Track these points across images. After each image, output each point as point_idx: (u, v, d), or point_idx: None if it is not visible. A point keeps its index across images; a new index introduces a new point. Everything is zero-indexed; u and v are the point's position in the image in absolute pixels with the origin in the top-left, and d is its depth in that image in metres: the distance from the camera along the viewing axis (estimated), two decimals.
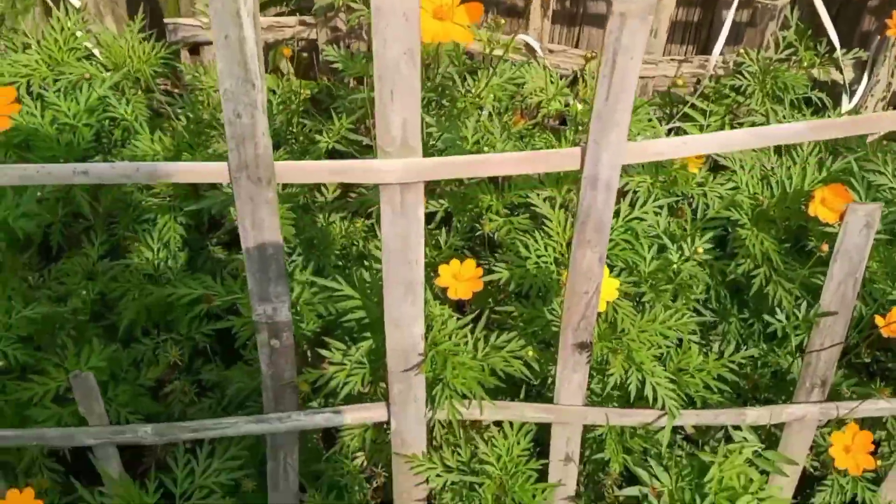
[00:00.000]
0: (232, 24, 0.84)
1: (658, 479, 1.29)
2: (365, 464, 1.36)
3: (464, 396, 1.20)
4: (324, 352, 1.21)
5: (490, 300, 1.44)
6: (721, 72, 1.73)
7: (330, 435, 1.42)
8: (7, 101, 1.09)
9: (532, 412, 1.25)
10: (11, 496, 1.14)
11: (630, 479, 1.36)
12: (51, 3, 1.60)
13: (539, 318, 1.27)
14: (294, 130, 1.58)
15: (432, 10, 1.01)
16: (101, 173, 0.97)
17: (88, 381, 1.10)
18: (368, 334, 1.21)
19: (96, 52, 1.58)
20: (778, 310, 1.30)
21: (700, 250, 1.22)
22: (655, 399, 1.24)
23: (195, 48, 1.70)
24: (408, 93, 0.91)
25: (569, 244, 1.31)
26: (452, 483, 1.30)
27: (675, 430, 1.39)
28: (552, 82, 1.48)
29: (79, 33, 1.53)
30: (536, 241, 1.29)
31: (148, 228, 1.52)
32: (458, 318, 1.24)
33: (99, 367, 1.32)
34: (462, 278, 1.19)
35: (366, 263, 1.38)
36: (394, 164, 0.96)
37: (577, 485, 1.37)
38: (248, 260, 1.04)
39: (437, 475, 1.29)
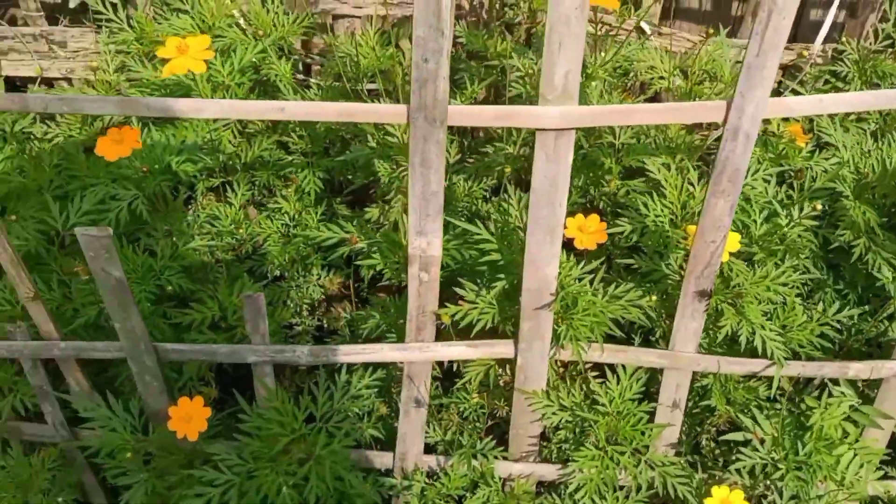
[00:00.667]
0: None
1: (760, 427, 1.39)
2: (482, 402, 1.48)
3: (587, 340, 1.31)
4: (459, 290, 1.33)
5: (596, 260, 1.54)
6: (819, 60, 1.82)
7: (447, 377, 1.54)
8: (202, 47, 1.24)
9: (648, 357, 1.36)
10: (183, 403, 1.28)
11: (729, 430, 1.46)
12: None
13: (656, 271, 1.37)
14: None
15: None
16: (296, 110, 1.11)
17: (258, 301, 1.24)
18: (502, 276, 1.33)
19: (241, 21, 1.73)
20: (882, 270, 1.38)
21: (818, 206, 1.32)
22: (764, 352, 1.33)
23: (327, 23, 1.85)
24: (574, 45, 1.03)
25: (683, 206, 1.42)
26: (567, 421, 1.41)
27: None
28: (663, 61, 1.59)
29: (229, 1, 1.67)
30: (654, 201, 1.39)
31: (282, 184, 1.66)
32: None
33: None
34: (587, 231, 1.30)
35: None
36: (553, 110, 1.08)
37: (678, 433, 1.47)
38: (412, 195, 1.16)
39: (554, 413, 1.40)
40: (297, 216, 1.63)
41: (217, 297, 1.45)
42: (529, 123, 1.09)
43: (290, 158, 1.69)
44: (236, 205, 1.63)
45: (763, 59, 1.00)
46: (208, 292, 1.46)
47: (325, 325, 1.72)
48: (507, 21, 1.79)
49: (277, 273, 1.61)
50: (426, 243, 1.21)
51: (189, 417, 1.26)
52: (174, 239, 1.46)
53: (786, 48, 1.83)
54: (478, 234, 1.32)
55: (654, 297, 1.32)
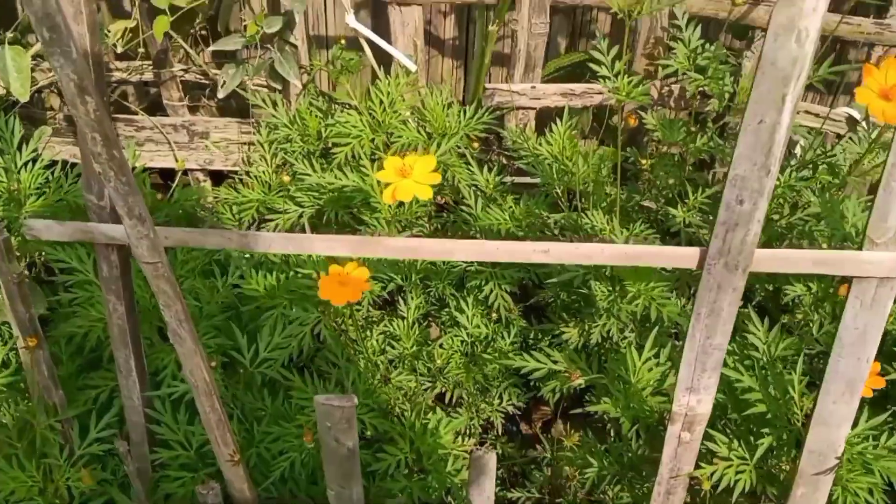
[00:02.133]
0: (773, 108, 0.80)
1: None
2: None
3: None
4: (712, 445, 1.14)
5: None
6: None
7: None
8: (428, 169, 1.08)
9: None
10: None
11: None
12: (375, 67, 1.62)
13: None
14: (602, 193, 1.54)
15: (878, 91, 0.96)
16: (562, 253, 0.94)
17: (487, 462, 1.05)
18: (766, 430, 1.13)
19: (410, 120, 1.58)
20: None
21: None
22: None
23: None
24: None
25: None
26: None
27: None
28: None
29: (406, 96, 1.53)
30: None
31: (461, 295, 1.49)
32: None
33: (443, 441, 1.29)
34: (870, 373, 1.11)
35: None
36: (882, 256, 0.89)
37: None
38: (689, 348, 0.98)
39: None
40: (475, 330, 1.46)
41: (411, 437, 1.28)
42: (853, 270, 0.91)
43: (462, 265, 1.53)
44: (409, 318, 1.47)
45: None
46: (398, 430, 1.29)
47: (502, 452, 1.54)
48: (695, 110, 1.62)
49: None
50: (696, 400, 1.02)
51: None
52: (362, 373, 1.30)
53: None
54: (740, 380, 1.13)
55: None
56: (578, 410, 1.40)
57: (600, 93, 1.63)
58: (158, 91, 1.82)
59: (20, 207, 1.42)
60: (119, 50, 1.55)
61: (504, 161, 1.69)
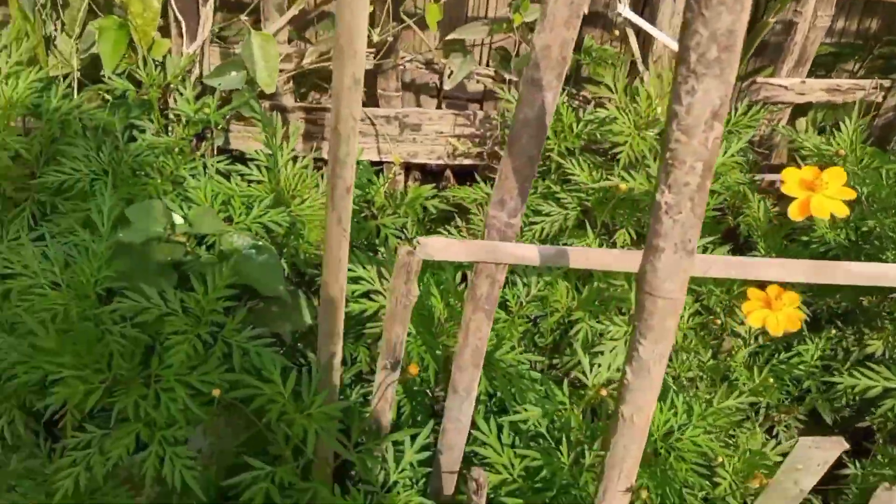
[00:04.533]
0: None
1: None
2: None
3: None
4: None
5: None
6: None
7: None
8: (840, 183, 1.00)
9: None
10: None
11: None
12: (639, 60, 1.52)
13: None
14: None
15: None
16: None
17: None
18: None
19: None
20: None
21: None
22: None
23: None
24: None
25: None
26: None
27: None
28: None
29: None
30: None
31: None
32: None
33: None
34: None
35: None
36: None
37: None
38: None
39: None
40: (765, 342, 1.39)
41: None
42: None
43: None
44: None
45: None
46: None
47: None
48: None
49: None
50: None
51: None
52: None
53: None
54: None
55: None
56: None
57: (863, 88, 1.55)
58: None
59: (287, 208, 1.32)
60: (375, 39, 1.43)
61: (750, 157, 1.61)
